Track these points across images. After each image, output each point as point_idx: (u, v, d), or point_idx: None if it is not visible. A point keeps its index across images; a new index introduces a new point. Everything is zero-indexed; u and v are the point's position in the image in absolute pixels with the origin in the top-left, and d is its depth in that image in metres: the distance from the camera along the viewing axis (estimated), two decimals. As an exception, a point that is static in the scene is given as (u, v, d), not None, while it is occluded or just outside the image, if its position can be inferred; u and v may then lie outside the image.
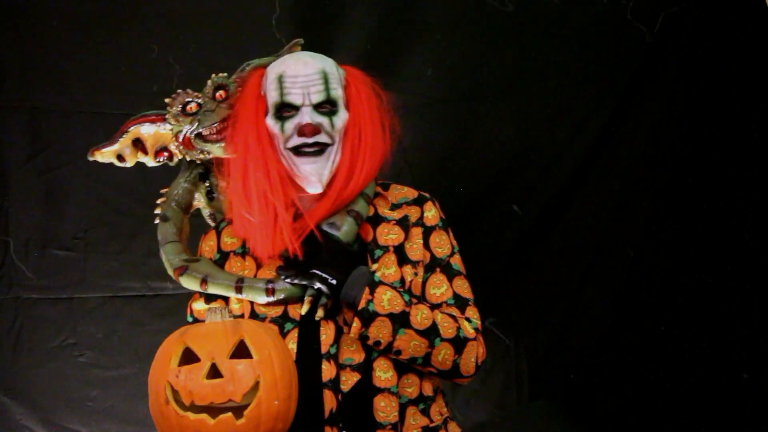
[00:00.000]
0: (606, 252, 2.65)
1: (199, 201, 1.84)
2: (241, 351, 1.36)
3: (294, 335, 1.56)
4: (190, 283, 1.64)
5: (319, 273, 1.53)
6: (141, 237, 2.57)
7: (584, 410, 2.66)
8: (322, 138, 1.58)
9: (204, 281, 1.62)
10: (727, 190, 2.53)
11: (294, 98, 1.58)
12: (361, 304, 1.50)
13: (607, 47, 2.59)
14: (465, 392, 2.61)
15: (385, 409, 1.54)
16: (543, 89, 2.61)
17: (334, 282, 1.52)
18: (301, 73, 1.59)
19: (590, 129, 2.63)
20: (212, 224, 1.82)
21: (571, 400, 2.67)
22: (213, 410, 1.33)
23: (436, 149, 2.59)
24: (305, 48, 1.81)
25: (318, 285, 1.54)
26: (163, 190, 1.82)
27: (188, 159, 1.79)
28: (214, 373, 1.33)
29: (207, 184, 1.83)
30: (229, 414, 1.32)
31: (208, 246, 1.71)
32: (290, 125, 1.58)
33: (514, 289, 2.67)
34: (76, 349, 2.58)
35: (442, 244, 1.65)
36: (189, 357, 1.35)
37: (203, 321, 1.46)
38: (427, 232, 1.65)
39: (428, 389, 1.61)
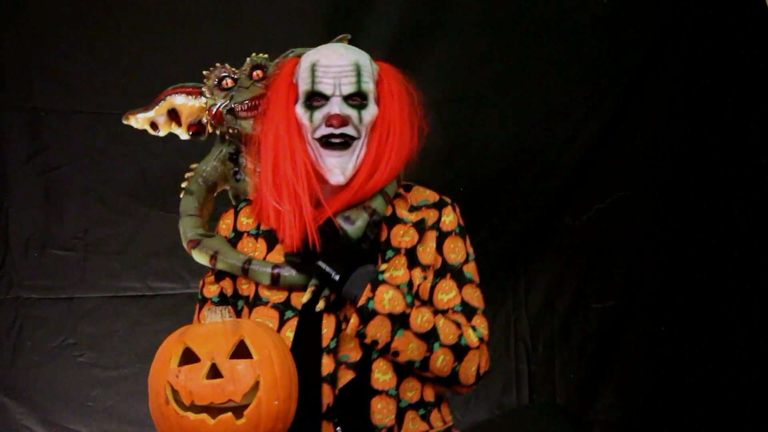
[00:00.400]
0: (606, 252, 2.66)
1: (225, 181, 1.84)
2: (241, 351, 1.35)
3: (293, 324, 1.56)
4: (200, 257, 1.65)
5: (323, 266, 1.53)
6: (141, 237, 2.57)
7: (584, 410, 2.66)
8: (349, 130, 1.57)
9: (214, 257, 1.62)
10: (727, 190, 2.53)
11: (325, 88, 1.57)
12: (361, 301, 1.49)
13: (607, 47, 2.59)
14: (465, 392, 2.62)
15: (381, 411, 1.52)
16: (543, 89, 2.61)
17: (336, 277, 1.52)
18: (335, 63, 1.58)
19: (590, 129, 2.63)
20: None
21: (571, 400, 2.67)
22: (213, 410, 1.32)
23: (436, 149, 2.58)
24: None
25: (321, 277, 1.53)
26: (193, 165, 1.82)
27: (218, 133, 1.80)
28: (214, 373, 1.32)
29: (234, 166, 1.83)
30: (229, 414, 1.32)
31: (225, 224, 1.70)
32: (319, 115, 1.56)
33: (514, 289, 2.67)
34: (76, 349, 2.58)
35: (456, 250, 1.62)
36: (189, 357, 1.35)
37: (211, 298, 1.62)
38: (442, 236, 1.62)
39: (430, 395, 1.59)
